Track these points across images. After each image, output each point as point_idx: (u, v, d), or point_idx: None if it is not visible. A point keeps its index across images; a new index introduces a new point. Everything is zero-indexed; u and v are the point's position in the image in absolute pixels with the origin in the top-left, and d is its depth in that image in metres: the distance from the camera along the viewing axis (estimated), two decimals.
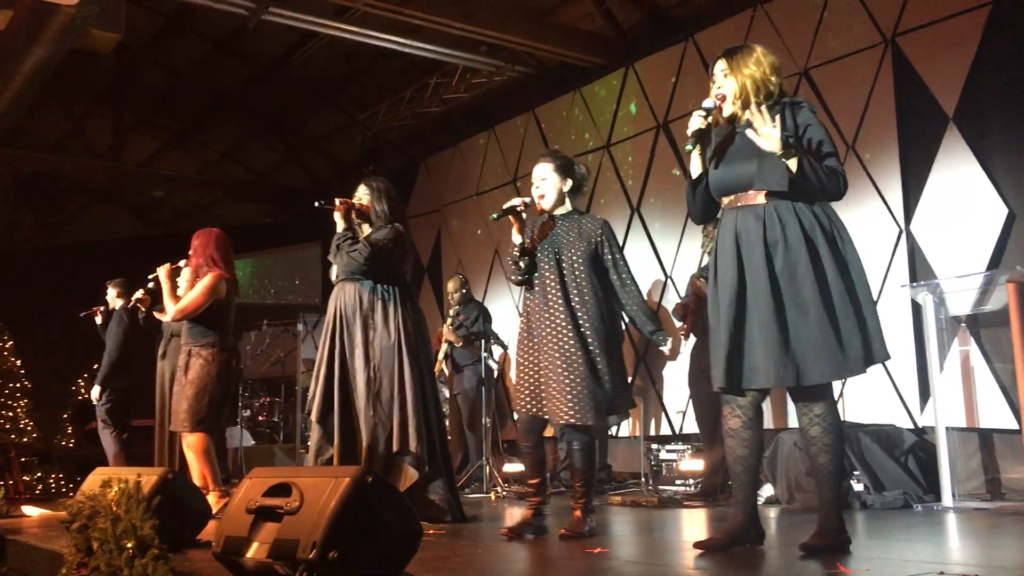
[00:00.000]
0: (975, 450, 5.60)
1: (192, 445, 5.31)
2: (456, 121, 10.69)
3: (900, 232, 6.30)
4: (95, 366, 7.82)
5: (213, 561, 2.71)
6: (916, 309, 5.91)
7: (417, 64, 9.52)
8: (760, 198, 3.14)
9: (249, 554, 2.53)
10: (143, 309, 7.32)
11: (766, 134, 3.02)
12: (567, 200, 4.14)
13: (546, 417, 3.94)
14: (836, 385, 6.35)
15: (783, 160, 3.01)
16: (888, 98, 6.44)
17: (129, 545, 2.50)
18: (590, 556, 3.29)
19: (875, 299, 6.30)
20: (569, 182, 4.11)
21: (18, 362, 11.37)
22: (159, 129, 12.46)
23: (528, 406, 3.98)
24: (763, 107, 3.06)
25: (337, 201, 4.63)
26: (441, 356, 7.78)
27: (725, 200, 3.26)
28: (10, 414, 11.01)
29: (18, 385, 11.26)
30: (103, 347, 7.70)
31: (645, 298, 4.09)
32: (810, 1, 7.04)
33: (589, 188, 4.31)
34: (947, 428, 5.02)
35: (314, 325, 10.68)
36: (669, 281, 7.93)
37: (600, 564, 3.11)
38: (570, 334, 3.90)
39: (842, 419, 3.18)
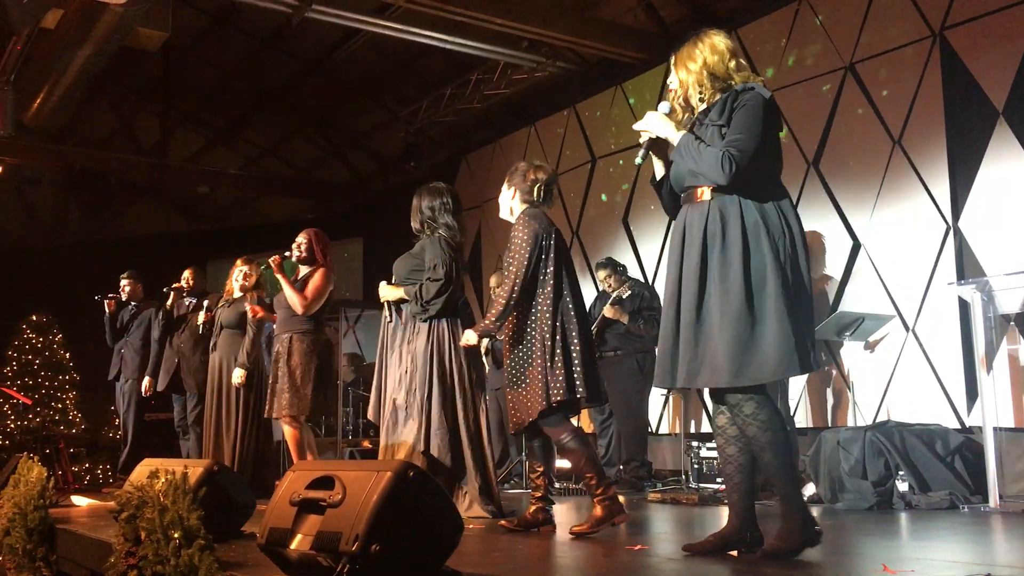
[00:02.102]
0: (1023, 451, 5.50)
1: (290, 433, 5.70)
2: (497, 117, 10.70)
3: (948, 229, 6.19)
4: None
5: (258, 552, 2.75)
6: (964, 307, 5.81)
7: (458, 60, 9.53)
8: (706, 194, 3.04)
9: (293, 546, 2.57)
10: (169, 304, 7.43)
11: (646, 126, 3.07)
12: (519, 205, 4.21)
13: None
14: (880, 383, 6.31)
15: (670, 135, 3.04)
16: (936, 93, 6.34)
17: (176, 535, 2.54)
18: (630, 552, 3.29)
19: (921, 299, 6.24)
20: (512, 190, 4.23)
21: (67, 355, 11.61)
22: (204, 126, 12.63)
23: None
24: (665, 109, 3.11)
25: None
26: (482, 352, 7.78)
27: (683, 196, 3.18)
28: (59, 406, 11.26)
29: (67, 377, 11.51)
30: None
31: (499, 299, 4.01)
32: None
33: (550, 191, 4.24)
34: (995, 428, 4.94)
35: (356, 320, 10.76)
36: None
37: (640, 560, 3.11)
38: (503, 344, 4.10)
39: (780, 413, 3.01)
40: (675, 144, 3.01)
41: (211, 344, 6.56)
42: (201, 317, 6.75)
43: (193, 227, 14.35)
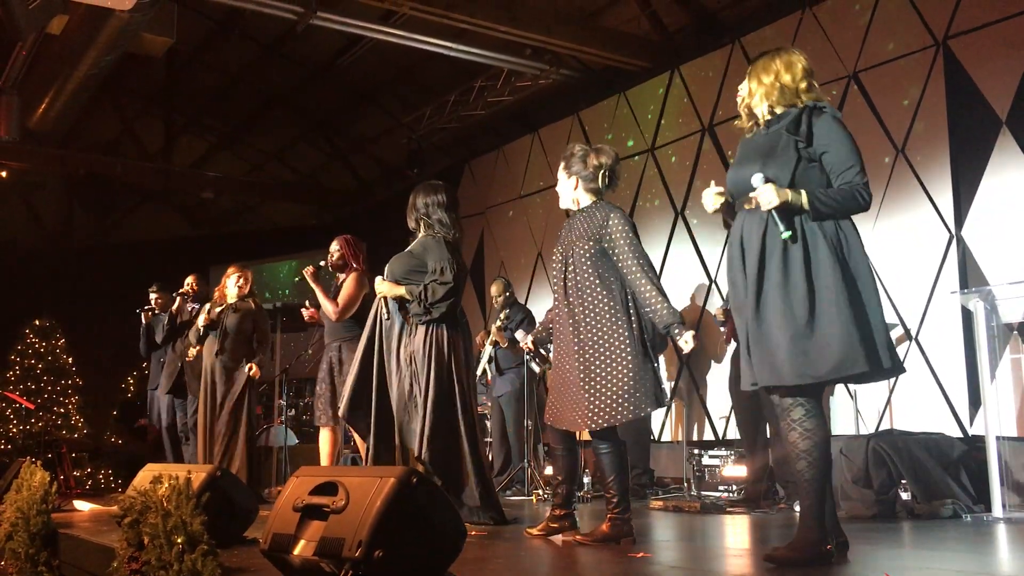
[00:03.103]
0: None
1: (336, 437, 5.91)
2: (500, 124, 10.71)
3: (951, 237, 6.20)
4: (144, 364, 7.98)
5: (260, 557, 2.75)
6: (967, 316, 5.80)
7: (462, 67, 9.55)
8: (776, 216, 3.08)
9: (296, 552, 2.57)
10: (175, 309, 7.45)
11: (763, 198, 2.99)
12: (584, 195, 3.97)
13: (562, 427, 3.86)
14: (883, 392, 6.31)
15: (796, 200, 2.98)
16: (939, 102, 6.34)
17: (179, 540, 2.54)
18: (632, 560, 3.29)
19: (924, 307, 6.24)
20: (573, 179, 3.96)
21: (70, 359, 11.62)
22: (208, 131, 12.65)
23: (548, 415, 3.94)
24: (761, 181, 3.01)
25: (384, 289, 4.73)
26: (485, 359, 7.79)
27: (739, 202, 3.23)
28: (62, 411, 11.26)
29: (70, 382, 11.51)
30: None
31: (654, 290, 3.73)
32: (860, 3, 6.96)
33: (614, 175, 3.99)
34: (998, 437, 4.93)
35: None
36: (713, 285, 7.88)
37: (642, 569, 3.11)
38: (575, 339, 3.76)
39: (829, 430, 3.07)
40: (805, 207, 2.99)
41: (216, 348, 6.56)
42: (201, 320, 6.76)
43: (197, 232, 14.37)
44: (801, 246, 3.02)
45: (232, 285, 6.69)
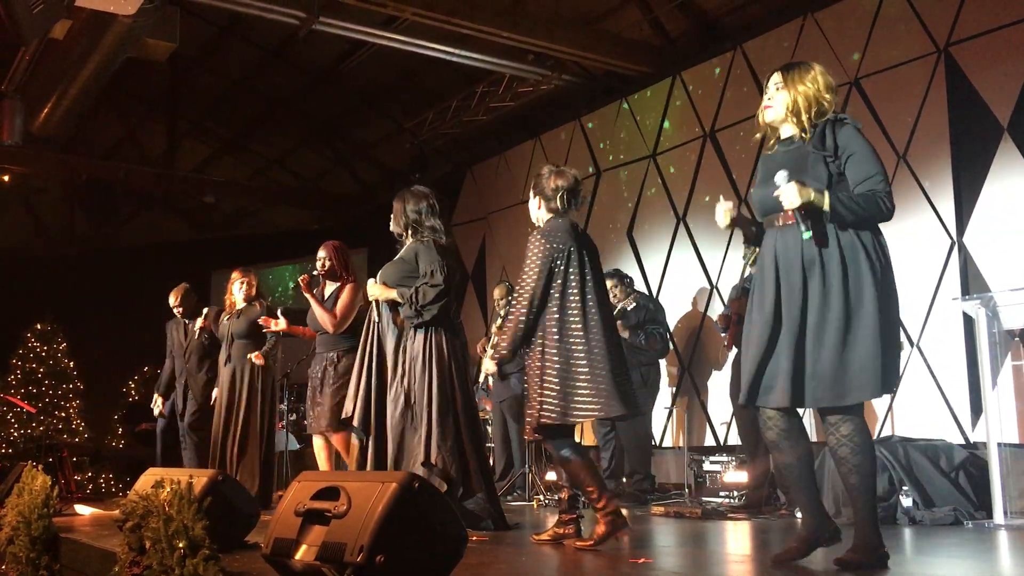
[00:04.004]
0: None
1: (340, 443, 5.75)
2: (502, 129, 10.73)
3: (952, 244, 6.20)
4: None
5: (262, 562, 2.75)
6: (968, 322, 5.81)
7: (464, 73, 9.57)
8: (794, 218, 3.09)
9: (297, 556, 2.57)
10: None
11: (786, 196, 3.00)
12: (545, 214, 4.09)
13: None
14: (884, 398, 6.30)
15: (819, 201, 2.99)
16: (941, 108, 6.35)
17: (181, 545, 2.54)
18: (633, 566, 3.29)
19: (926, 314, 6.24)
20: (537, 199, 4.11)
21: (71, 364, 11.64)
22: (211, 136, 12.67)
23: None
24: (785, 180, 3.02)
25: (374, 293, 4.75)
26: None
27: (767, 219, 3.23)
28: (63, 415, 11.28)
29: (71, 386, 11.53)
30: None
31: (512, 317, 3.94)
32: (861, 10, 6.97)
33: (574, 196, 4.09)
34: (999, 444, 4.92)
35: None
36: (715, 291, 7.88)
37: (643, 574, 3.11)
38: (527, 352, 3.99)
39: (872, 437, 3.17)
40: (826, 208, 3.00)
41: (224, 357, 6.54)
42: (199, 323, 6.72)
43: (199, 237, 14.38)
44: (840, 260, 3.02)
45: (237, 291, 6.66)
